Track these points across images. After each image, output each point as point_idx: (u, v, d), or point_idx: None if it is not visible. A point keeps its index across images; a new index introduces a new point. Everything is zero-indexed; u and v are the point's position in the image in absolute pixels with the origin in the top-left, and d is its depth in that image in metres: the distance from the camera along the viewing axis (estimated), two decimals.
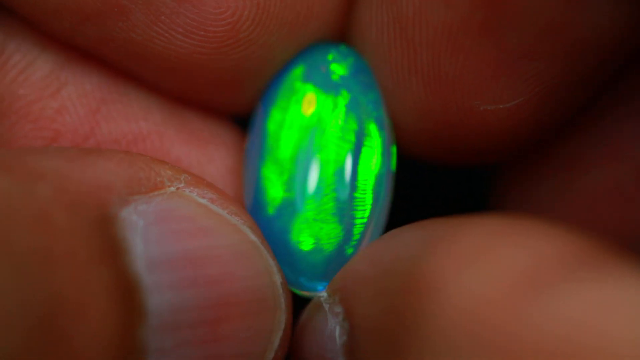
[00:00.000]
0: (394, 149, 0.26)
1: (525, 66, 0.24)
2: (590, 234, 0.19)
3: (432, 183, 0.36)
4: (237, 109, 0.28)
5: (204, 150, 0.27)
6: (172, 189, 0.22)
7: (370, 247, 0.24)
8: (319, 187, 0.25)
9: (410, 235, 0.22)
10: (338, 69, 0.26)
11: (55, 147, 0.24)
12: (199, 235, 0.22)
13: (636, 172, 0.27)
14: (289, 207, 0.25)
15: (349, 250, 0.25)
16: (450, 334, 0.18)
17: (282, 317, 0.23)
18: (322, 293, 0.24)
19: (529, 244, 0.18)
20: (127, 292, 0.20)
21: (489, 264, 0.18)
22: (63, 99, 0.26)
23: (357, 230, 0.25)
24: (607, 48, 0.24)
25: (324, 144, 0.25)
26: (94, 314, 0.19)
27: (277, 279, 0.23)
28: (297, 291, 0.26)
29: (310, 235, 0.25)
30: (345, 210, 0.25)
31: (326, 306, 0.23)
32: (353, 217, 0.25)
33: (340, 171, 0.25)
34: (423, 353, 0.18)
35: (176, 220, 0.22)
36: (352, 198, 0.25)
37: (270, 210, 0.25)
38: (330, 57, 0.26)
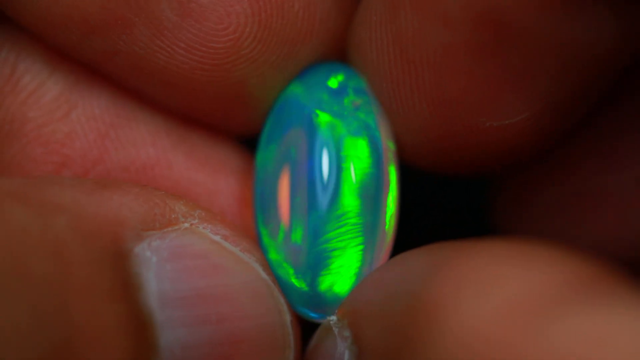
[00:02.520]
0: (392, 170, 0.26)
1: (528, 83, 0.24)
2: (592, 257, 0.19)
3: (436, 195, 0.36)
4: (243, 130, 0.28)
5: (213, 179, 0.27)
6: (186, 225, 0.22)
7: (378, 271, 0.25)
8: (297, 216, 0.25)
9: (417, 259, 0.22)
10: (328, 89, 0.26)
11: (73, 179, 0.24)
12: (212, 273, 0.22)
13: (635, 181, 0.28)
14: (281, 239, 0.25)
15: (352, 279, 0.25)
16: (456, 352, 0.18)
17: (290, 355, 0.23)
18: (331, 317, 0.24)
19: (533, 270, 0.19)
20: (139, 327, 0.20)
21: (493, 289, 0.18)
22: (73, 123, 0.26)
23: (357, 256, 0.25)
24: (607, 60, 0.24)
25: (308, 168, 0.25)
26: (107, 347, 0.19)
27: (287, 317, 0.23)
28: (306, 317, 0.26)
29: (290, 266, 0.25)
30: (319, 237, 0.25)
31: (335, 330, 0.23)
32: (331, 244, 0.25)
33: (318, 198, 0.25)
34: None
35: (189, 257, 0.22)
36: (328, 224, 0.25)
37: (272, 255, 0.25)
38: (324, 76, 0.27)
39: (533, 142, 0.26)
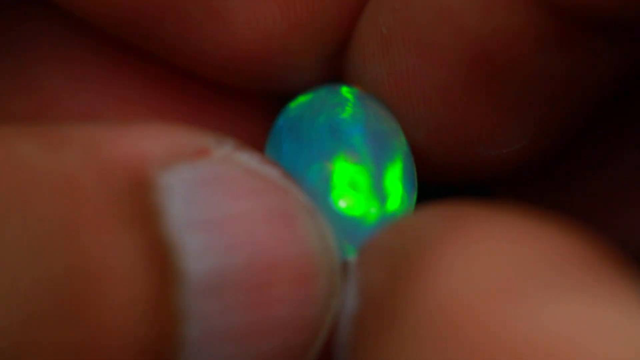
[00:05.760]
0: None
1: (525, 113, 0.24)
2: (596, 238, 0.19)
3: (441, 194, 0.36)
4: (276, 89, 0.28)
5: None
6: (219, 154, 0.21)
7: (395, 223, 0.24)
8: None
9: (431, 215, 0.21)
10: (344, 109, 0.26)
11: (87, 122, 0.24)
12: (247, 196, 0.20)
13: (637, 178, 0.28)
14: None
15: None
16: (435, 317, 0.18)
17: (338, 281, 0.21)
18: (351, 258, 0.23)
19: (538, 243, 0.18)
20: (161, 255, 0.19)
21: (491, 259, 0.18)
22: None
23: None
24: (606, 85, 0.24)
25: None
26: (127, 276, 0.18)
27: (331, 242, 0.21)
28: None
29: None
30: None
31: (350, 273, 0.22)
32: None
33: None
34: (406, 331, 0.18)
35: (224, 182, 0.20)
36: None
37: None
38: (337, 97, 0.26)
39: (534, 162, 0.26)
